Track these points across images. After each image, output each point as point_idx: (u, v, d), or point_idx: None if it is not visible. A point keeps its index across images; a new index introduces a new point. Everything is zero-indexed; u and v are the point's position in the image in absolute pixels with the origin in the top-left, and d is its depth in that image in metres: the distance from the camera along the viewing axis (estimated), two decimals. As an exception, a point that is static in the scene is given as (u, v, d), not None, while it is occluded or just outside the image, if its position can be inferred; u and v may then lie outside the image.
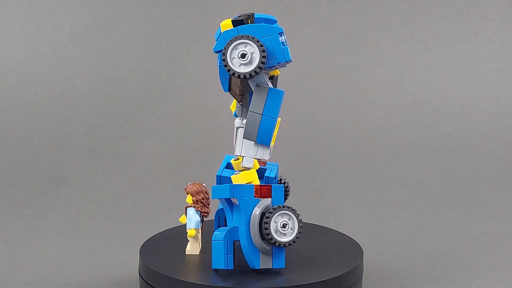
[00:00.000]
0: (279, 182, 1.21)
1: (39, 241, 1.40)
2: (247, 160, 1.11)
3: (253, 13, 1.14)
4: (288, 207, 1.09)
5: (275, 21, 1.15)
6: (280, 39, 1.07)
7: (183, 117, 1.88)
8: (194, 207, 1.17)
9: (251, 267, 1.10)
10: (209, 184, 1.16)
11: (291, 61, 1.08)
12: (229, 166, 1.18)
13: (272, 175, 1.17)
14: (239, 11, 1.19)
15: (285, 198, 1.23)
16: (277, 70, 1.12)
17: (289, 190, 1.23)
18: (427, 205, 1.56)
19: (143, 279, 1.15)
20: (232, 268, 1.11)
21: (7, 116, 1.87)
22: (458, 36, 2.00)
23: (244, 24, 1.09)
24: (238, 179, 1.11)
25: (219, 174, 1.17)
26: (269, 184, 1.11)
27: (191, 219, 1.17)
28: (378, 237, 1.41)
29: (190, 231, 1.17)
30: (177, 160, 1.76)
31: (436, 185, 1.65)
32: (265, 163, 1.19)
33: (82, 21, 1.99)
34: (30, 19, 1.98)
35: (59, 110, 1.89)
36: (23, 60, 1.95)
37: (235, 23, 1.09)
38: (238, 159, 1.15)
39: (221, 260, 1.10)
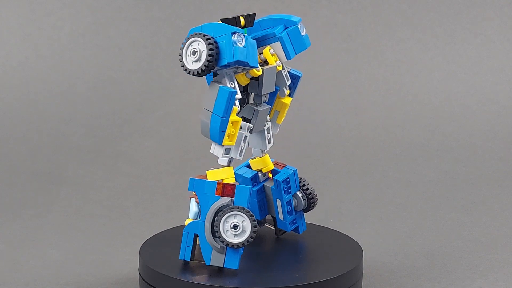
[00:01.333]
0: (301, 188, 1.21)
1: (39, 241, 1.40)
2: (222, 158, 1.12)
3: (254, 13, 1.14)
4: (243, 209, 1.08)
5: (295, 23, 1.15)
6: (232, 38, 1.07)
7: (183, 117, 1.88)
8: (195, 198, 1.18)
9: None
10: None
11: (240, 61, 1.07)
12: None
13: (280, 178, 1.18)
14: (239, 11, 1.20)
15: (309, 208, 1.22)
16: (254, 71, 1.12)
17: (313, 198, 1.22)
18: (427, 205, 1.56)
19: (143, 279, 1.15)
20: (189, 260, 1.13)
21: (7, 116, 1.87)
22: (458, 36, 2.00)
23: (231, 23, 1.10)
24: (211, 174, 1.12)
25: (235, 171, 1.20)
26: (234, 184, 1.10)
27: (190, 210, 1.18)
28: (378, 237, 1.41)
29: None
30: (177, 160, 1.76)
31: (436, 185, 1.65)
32: (283, 166, 1.20)
33: (82, 21, 1.99)
34: (30, 19, 1.99)
35: (59, 110, 1.89)
36: (23, 60, 1.95)
37: (224, 21, 1.11)
38: (255, 158, 1.18)
39: (182, 251, 1.13)
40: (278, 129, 1.21)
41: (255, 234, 1.09)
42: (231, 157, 1.12)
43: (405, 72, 1.97)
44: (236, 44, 1.07)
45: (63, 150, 1.79)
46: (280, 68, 1.16)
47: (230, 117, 1.09)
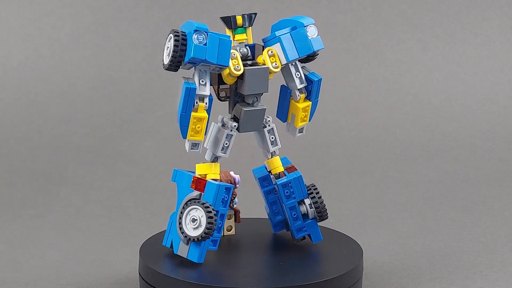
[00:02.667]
0: (309, 195, 1.19)
1: (39, 241, 1.40)
2: (207, 153, 1.15)
3: (255, 13, 1.14)
4: (203, 204, 1.10)
5: (302, 24, 1.15)
6: (193, 36, 1.09)
7: (183, 117, 1.88)
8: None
9: None
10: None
11: (196, 58, 1.09)
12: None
13: (279, 182, 1.18)
14: (239, 11, 1.19)
15: (318, 219, 1.19)
16: (232, 70, 1.12)
17: (319, 208, 1.19)
18: (427, 205, 1.56)
19: (143, 279, 1.15)
20: (169, 246, 1.16)
21: (7, 116, 1.87)
22: (458, 36, 2.00)
23: (225, 21, 1.13)
24: (198, 168, 1.15)
25: (253, 169, 1.22)
26: (205, 179, 1.12)
27: None
28: (378, 237, 1.41)
29: None
30: (177, 160, 1.76)
31: (436, 185, 1.65)
32: (293, 170, 1.19)
33: (82, 21, 1.99)
34: (30, 19, 1.99)
35: (59, 110, 1.89)
36: (23, 60, 1.95)
37: (222, 20, 1.13)
38: (269, 158, 1.19)
39: (165, 237, 1.17)
40: (298, 133, 1.19)
41: (209, 230, 1.10)
42: (216, 154, 1.14)
43: (405, 72, 1.97)
44: (195, 42, 1.09)
45: (63, 150, 1.78)
46: (276, 70, 1.15)
47: (196, 113, 1.11)
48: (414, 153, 1.80)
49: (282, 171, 1.19)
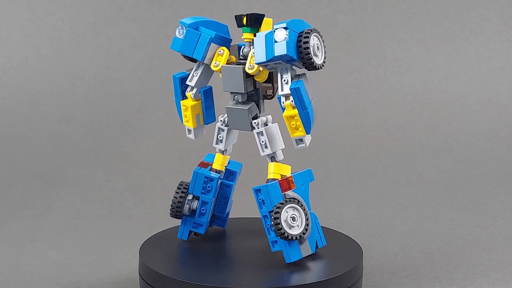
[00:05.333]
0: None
1: (39, 241, 1.40)
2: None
3: (261, 14, 1.14)
4: (180, 186, 1.21)
5: (282, 26, 1.13)
6: (176, 29, 1.16)
7: (183, 117, 1.88)
8: None
9: None
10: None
11: (171, 48, 1.17)
12: None
13: (254, 188, 1.14)
14: (239, 11, 1.20)
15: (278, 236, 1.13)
16: (212, 65, 1.16)
17: (273, 224, 1.10)
18: (427, 205, 1.56)
19: (143, 279, 1.15)
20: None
21: (7, 116, 1.87)
22: (458, 36, 2.00)
23: (237, 20, 1.15)
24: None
25: None
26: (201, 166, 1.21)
27: None
28: (378, 237, 1.41)
29: None
30: (177, 160, 1.76)
31: (436, 185, 1.65)
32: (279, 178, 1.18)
33: (82, 21, 1.99)
34: (30, 19, 1.99)
35: (59, 110, 1.89)
36: (23, 60, 1.95)
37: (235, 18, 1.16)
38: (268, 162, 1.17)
39: None
40: (297, 144, 1.14)
41: (172, 209, 1.20)
42: (213, 145, 1.19)
43: (405, 72, 1.97)
44: (176, 35, 1.16)
45: (63, 150, 1.79)
46: (251, 72, 1.13)
47: (183, 101, 1.18)
48: (414, 153, 1.80)
49: (276, 178, 1.14)
